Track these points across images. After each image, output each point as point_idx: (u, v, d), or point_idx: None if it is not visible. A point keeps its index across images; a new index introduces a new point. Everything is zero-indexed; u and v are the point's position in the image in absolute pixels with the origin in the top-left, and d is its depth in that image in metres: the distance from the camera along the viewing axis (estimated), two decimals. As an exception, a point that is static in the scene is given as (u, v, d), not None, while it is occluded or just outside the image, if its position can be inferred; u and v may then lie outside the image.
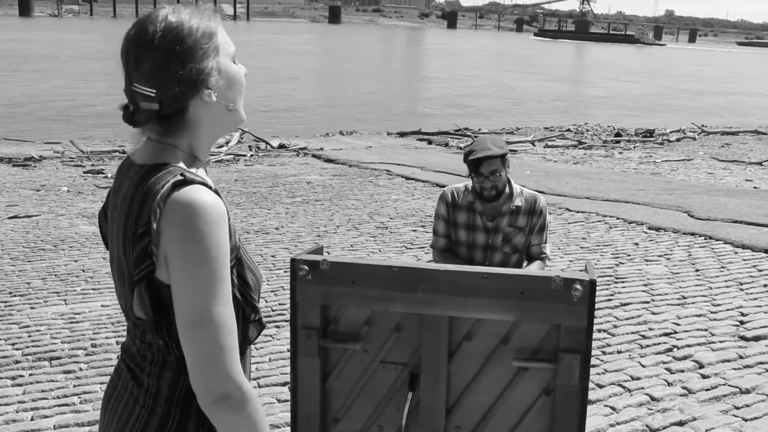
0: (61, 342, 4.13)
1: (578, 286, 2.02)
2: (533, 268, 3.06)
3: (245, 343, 1.36)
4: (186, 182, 1.24)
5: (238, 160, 13.04)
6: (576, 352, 2.07)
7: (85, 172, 11.17)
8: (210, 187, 1.26)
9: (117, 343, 4.13)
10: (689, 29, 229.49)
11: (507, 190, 3.10)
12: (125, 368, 1.37)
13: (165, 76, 1.25)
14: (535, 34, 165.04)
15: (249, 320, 1.36)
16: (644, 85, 42.77)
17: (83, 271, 5.66)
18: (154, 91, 1.25)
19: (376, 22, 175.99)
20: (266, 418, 1.32)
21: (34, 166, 11.69)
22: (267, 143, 15.15)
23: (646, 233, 7.00)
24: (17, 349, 4.03)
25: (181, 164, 1.30)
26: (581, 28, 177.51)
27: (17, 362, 3.85)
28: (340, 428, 2.25)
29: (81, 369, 3.76)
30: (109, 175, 10.86)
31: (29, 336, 4.23)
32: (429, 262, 5.24)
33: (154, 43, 1.26)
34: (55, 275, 5.52)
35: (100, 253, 6.19)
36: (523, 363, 2.11)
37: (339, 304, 2.16)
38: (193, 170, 1.30)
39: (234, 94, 1.34)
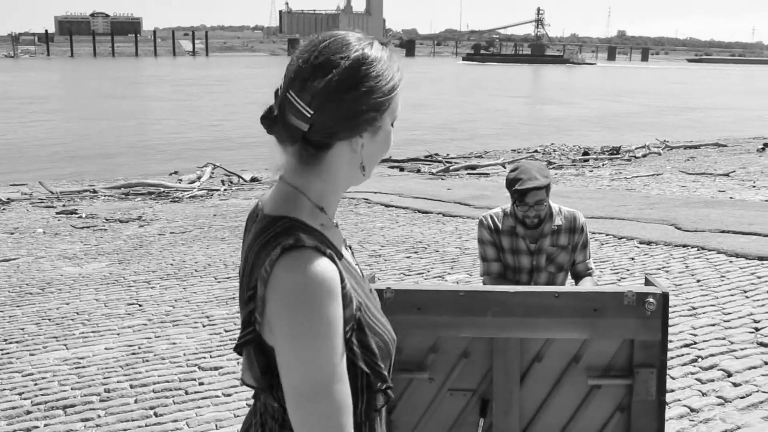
0: (71, 389, 3.95)
1: (652, 300, 2.00)
2: (587, 286, 3.03)
3: (370, 410, 1.25)
4: (296, 246, 1.13)
5: (212, 195, 12.89)
6: (652, 366, 2.04)
7: (57, 213, 10.90)
8: (323, 252, 1.15)
9: (131, 386, 3.97)
10: (641, 48, 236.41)
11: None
12: (259, 414, 1.30)
13: (331, 104, 1.15)
14: (464, 59, 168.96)
15: (374, 389, 1.24)
16: (592, 103, 43.72)
17: (77, 313, 5.47)
18: (312, 112, 1.15)
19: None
20: None
21: (3, 209, 11.40)
22: (239, 177, 15.03)
23: (639, 247, 7.06)
24: (25, 399, 3.84)
25: (303, 218, 1.20)
26: (537, 51, 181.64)
27: (29, 413, 3.66)
28: (407, 461, 2.17)
29: (99, 416, 3.59)
30: (84, 215, 10.62)
31: (35, 384, 4.04)
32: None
33: (338, 66, 1.16)
34: (49, 319, 5.32)
35: (92, 295, 6.00)
36: (597, 381, 2.06)
37: (404, 332, 2.09)
38: (315, 226, 1.21)
39: (377, 155, 1.25)
